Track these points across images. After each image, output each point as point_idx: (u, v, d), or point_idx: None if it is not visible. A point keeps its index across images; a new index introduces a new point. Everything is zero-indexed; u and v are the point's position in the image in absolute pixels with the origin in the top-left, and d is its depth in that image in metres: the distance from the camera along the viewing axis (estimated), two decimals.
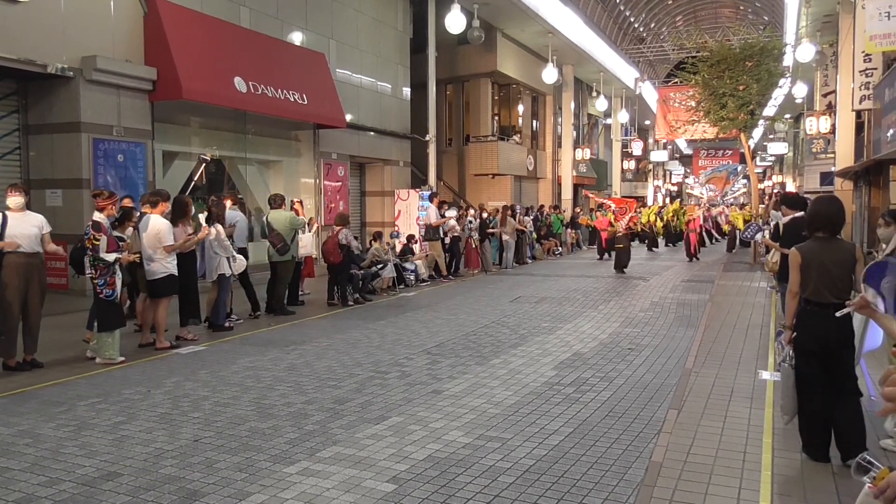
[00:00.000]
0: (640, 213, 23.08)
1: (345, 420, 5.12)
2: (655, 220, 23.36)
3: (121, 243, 7.10)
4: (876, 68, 13.58)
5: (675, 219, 24.11)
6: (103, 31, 10.62)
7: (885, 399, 1.65)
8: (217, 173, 14.03)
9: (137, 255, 7.43)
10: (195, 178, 10.32)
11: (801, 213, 7.74)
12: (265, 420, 5.13)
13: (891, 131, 11.28)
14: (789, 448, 4.44)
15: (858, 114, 15.85)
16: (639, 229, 22.45)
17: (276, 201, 10.24)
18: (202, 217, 8.54)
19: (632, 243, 16.58)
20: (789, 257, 4.39)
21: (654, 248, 23.06)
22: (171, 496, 3.80)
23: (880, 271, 2.75)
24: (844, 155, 17.56)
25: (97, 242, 6.80)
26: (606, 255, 18.33)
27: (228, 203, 9.70)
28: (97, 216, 6.96)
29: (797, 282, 4.31)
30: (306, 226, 10.92)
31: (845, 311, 3.45)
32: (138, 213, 7.77)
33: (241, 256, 8.89)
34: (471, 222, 15.61)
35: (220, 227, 8.56)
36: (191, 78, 11.16)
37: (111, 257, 6.86)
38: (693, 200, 51.41)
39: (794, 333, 4.36)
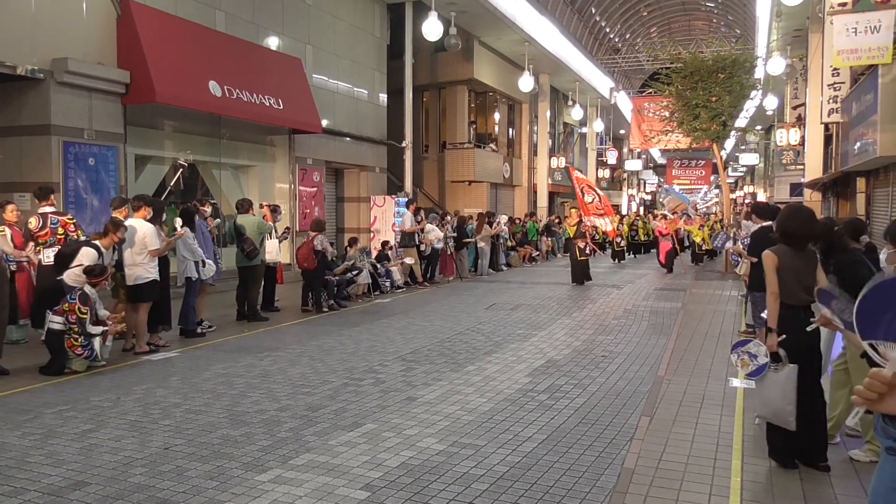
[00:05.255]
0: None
1: (318, 427, 5.09)
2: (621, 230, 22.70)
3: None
4: (844, 82, 13.89)
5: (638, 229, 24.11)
6: (75, 32, 10.46)
7: (864, 388, 1.71)
8: (191, 178, 13.88)
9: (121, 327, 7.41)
10: (170, 184, 10.21)
11: (770, 222, 7.91)
12: (237, 427, 5.08)
13: (858, 144, 11.55)
14: (758, 454, 4.51)
15: (827, 126, 16.21)
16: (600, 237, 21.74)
17: (244, 206, 10.24)
18: (178, 221, 8.47)
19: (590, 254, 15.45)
20: (764, 259, 4.39)
21: (621, 260, 22.16)
22: None
23: (829, 297, 2.82)
24: (813, 166, 17.92)
25: (84, 316, 6.68)
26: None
27: (209, 209, 9.66)
28: (87, 289, 6.86)
29: (776, 282, 4.31)
30: (274, 232, 10.86)
31: (813, 326, 3.52)
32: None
33: (210, 262, 8.81)
34: (449, 230, 15.64)
35: (188, 230, 8.47)
36: (164, 81, 11.04)
37: (98, 330, 6.80)
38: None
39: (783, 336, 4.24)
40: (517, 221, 21.80)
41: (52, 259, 7.58)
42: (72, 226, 8.04)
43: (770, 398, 4.22)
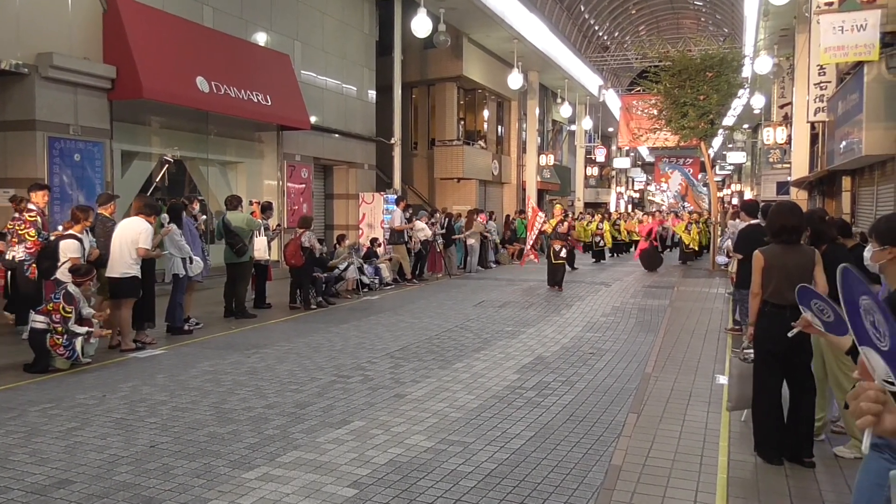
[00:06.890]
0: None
1: (306, 424, 5.07)
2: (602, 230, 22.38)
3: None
4: (830, 81, 13.98)
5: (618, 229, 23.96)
6: (60, 27, 10.35)
7: (862, 412, 1.60)
8: (178, 174, 13.79)
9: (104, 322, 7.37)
10: (156, 180, 10.15)
11: (757, 220, 7.97)
12: (224, 425, 5.05)
13: (843, 143, 11.63)
14: (744, 451, 4.54)
15: (813, 125, 16.29)
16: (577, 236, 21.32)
17: (234, 203, 10.21)
18: (165, 218, 8.42)
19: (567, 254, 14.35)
20: (753, 259, 4.50)
21: (602, 259, 21.71)
22: (126, 503, 3.71)
23: (808, 295, 2.85)
24: (800, 165, 18.04)
25: (69, 315, 6.64)
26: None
27: (197, 206, 9.60)
28: (71, 288, 6.79)
29: (758, 283, 4.42)
30: (262, 229, 10.81)
31: (794, 331, 3.56)
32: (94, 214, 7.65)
33: (198, 258, 8.75)
34: (438, 227, 15.62)
35: (175, 227, 8.42)
36: (151, 77, 10.95)
37: (82, 330, 6.76)
38: (654, 207, 52.35)
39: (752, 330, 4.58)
40: (511, 218, 21.75)
41: (21, 255, 7.63)
42: (28, 223, 7.88)
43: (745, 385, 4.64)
